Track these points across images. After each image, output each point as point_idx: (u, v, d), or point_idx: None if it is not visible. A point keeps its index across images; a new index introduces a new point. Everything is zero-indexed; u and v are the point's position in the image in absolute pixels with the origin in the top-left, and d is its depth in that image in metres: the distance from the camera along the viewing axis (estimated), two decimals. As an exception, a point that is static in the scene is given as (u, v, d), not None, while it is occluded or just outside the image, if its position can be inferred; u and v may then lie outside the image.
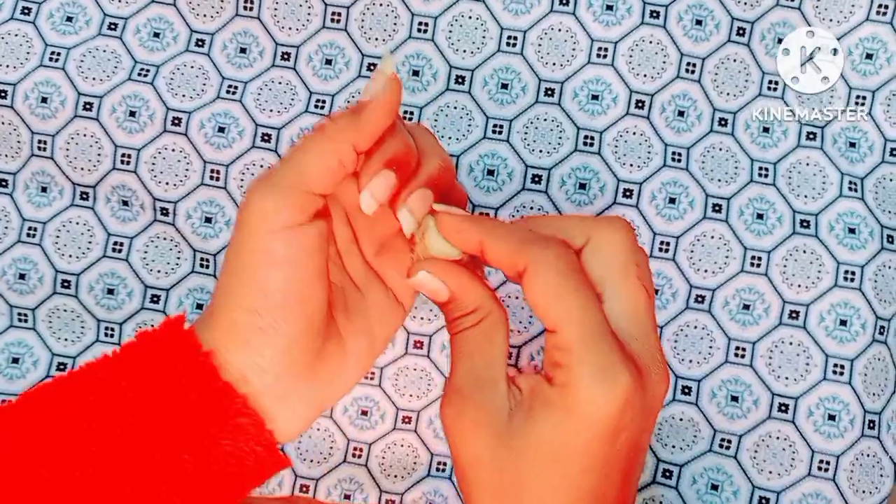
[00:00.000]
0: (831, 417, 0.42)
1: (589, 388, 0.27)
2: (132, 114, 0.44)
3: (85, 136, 0.44)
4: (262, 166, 0.44)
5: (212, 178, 0.44)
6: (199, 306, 0.45)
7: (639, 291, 0.28)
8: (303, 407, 0.30)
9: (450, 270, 0.30)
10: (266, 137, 0.44)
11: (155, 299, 0.45)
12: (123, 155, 0.44)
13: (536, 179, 0.43)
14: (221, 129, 0.44)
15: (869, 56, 0.45)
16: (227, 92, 0.44)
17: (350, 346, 0.31)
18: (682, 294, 0.43)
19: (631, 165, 0.43)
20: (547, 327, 0.28)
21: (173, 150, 0.44)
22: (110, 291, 0.45)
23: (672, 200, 0.43)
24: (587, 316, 0.27)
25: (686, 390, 0.43)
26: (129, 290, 0.45)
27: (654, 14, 0.45)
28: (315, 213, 0.29)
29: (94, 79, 0.44)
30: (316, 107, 0.44)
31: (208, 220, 0.44)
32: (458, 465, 0.30)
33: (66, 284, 0.44)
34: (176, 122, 0.44)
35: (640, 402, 0.27)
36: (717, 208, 0.43)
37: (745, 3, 0.45)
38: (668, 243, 0.43)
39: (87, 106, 0.44)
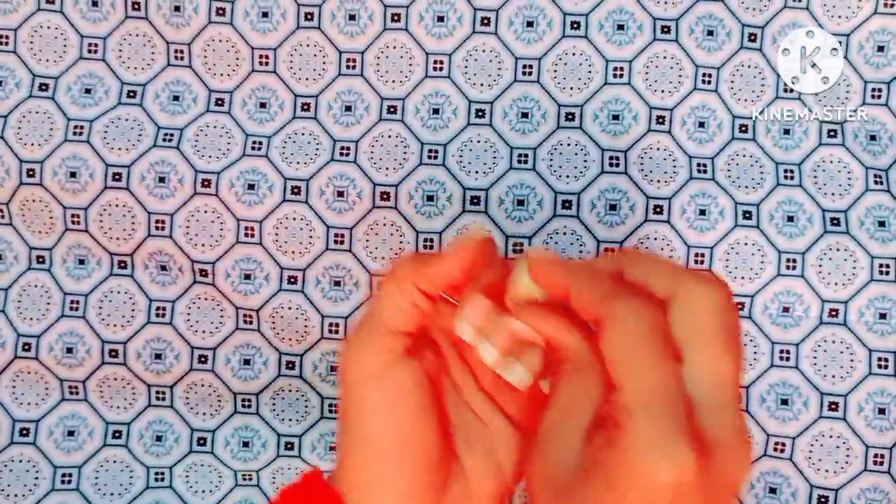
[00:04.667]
0: (881, 411, 0.43)
1: (639, 458, 0.25)
2: (161, 179, 0.44)
3: (117, 206, 0.44)
4: (295, 219, 0.44)
5: (247, 235, 0.44)
6: (247, 361, 0.45)
7: (723, 359, 0.26)
8: None
9: (546, 320, 0.29)
10: (296, 190, 0.44)
11: (203, 359, 0.45)
12: (157, 221, 0.44)
13: (567, 205, 0.44)
14: (251, 186, 0.44)
15: (880, 48, 0.45)
16: (253, 148, 0.45)
17: (475, 479, 0.31)
18: (720, 302, 0.43)
19: (658, 181, 0.44)
20: (614, 384, 0.27)
21: (206, 211, 0.44)
22: (158, 356, 0.45)
23: (702, 212, 0.44)
24: (654, 378, 0.26)
25: (734, 397, 0.43)
26: (177, 352, 0.45)
27: (665, 29, 0.45)
28: (405, 351, 0.30)
29: (120, 148, 0.44)
30: (341, 154, 0.45)
31: (247, 276, 0.45)
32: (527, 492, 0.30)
33: (113, 353, 0.45)
34: (205, 183, 0.44)
35: (699, 483, 0.24)
36: (747, 215, 0.44)
37: (754, 9, 0.45)
38: (702, 254, 0.44)
39: (116, 176, 0.44)
